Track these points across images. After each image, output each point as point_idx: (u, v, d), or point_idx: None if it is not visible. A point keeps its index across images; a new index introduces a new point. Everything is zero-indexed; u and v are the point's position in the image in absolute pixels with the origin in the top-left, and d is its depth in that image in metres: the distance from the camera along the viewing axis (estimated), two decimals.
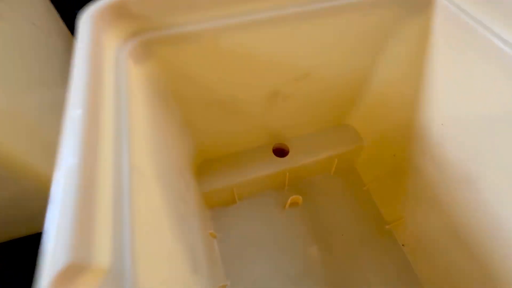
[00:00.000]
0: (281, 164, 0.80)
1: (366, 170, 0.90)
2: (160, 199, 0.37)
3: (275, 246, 0.77)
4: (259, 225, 0.81)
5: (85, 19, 0.37)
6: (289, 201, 0.81)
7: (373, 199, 0.87)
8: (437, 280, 0.67)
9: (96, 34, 0.36)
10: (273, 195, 0.86)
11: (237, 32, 0.48)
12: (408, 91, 0.64)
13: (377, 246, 0.79)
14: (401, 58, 0.62)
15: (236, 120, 0.67)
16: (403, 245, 0.79)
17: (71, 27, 0.90)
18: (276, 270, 0.74)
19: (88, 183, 0.21)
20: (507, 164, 0.46)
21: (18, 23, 0.60)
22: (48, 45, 0.72)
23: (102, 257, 0.19)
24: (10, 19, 0.57)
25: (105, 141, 0.28)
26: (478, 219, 0.54)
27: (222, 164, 0.79)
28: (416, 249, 0.74)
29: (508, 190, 0.46)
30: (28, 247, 0.70)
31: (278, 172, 0.80)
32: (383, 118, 0.75)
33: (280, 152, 0.84)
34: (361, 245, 0.79)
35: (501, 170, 0.47)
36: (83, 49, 0.33)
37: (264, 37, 0.50)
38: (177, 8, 0.43)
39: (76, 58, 0.32)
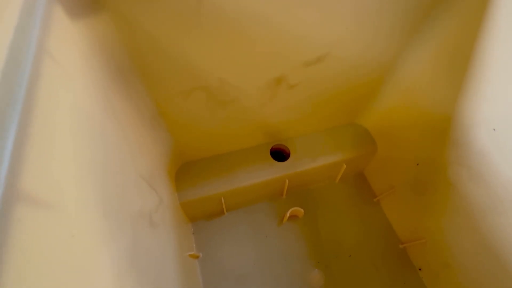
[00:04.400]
0: (281, 169, 0.66)
1: (378, 179, 0.77)
2: (95, 243, 0.22)
3: (268, 268, 0.64)
4: (251, 242, 0.67)
5: None
6: (288, 213, 0.68)
7: (384, 213, 0.74)
8: None
9: None
10: (269, 206, 0.72)
11: None
12: (445, 84, 0.51)
13: (389, 269, 0.67)
14: (442, 39, 0.48)
15: (227, 113, 0.53)
16: (420, 269, 0.67)
17: None
18: None
19: None
20: None
21: None
22: None
23: None
24: None
25: None
26: None
27: (208, 168, 0.64)
28: (438, 275, 0.62)
29: None
30: None
31: (276, 178, 0.66)
32: (405, 118, 0.62)
33: (280, 155, 0.70)
34: (370, 268, 0.66)
35: None
36: None
37: None
38: None
39: None
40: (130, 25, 0.33)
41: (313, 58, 0.48)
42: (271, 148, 0.69)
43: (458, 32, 0.46)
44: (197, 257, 0.63)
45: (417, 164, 0.61)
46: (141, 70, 0.38)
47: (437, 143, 0.55)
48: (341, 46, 0.47)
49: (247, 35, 0.40)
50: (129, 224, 0.27)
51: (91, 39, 0.30)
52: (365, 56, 0.51)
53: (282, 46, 0.44)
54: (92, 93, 0.28)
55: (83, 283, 0.20)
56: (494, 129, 0.44)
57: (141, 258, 0.28)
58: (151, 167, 0.46)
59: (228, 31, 0.38)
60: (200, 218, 0.69)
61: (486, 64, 0.43)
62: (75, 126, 0.24)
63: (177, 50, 0.38)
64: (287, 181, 0.67)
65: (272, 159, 0.67)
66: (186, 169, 0.63)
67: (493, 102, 0.43)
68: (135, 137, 0.39)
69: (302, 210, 0.68)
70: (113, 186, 0.26)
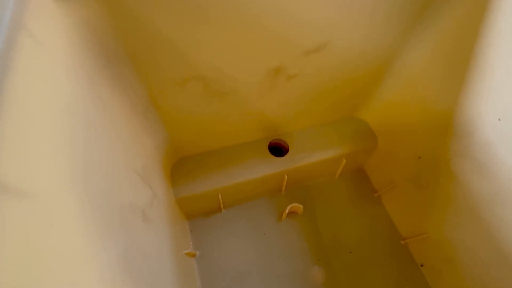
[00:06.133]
0: (279, 164, 0.64)
1: (378, 173, 0.75)
2: (76, 231, 0.20)
3: (268, 266, 0.62)
4: (249, 239, 0.65)
5: None
6: (287, 210, 0.66)
7: (385, 209, 0.73)
8: None
9: None
10: (267, 202, 0.71)
11: None
12: (448, 75, 0.49)
13: (390, 265, 0.65)
14: (444, 29, 0.47)
15: (223, 105, 0.51)
16: (421, 265, 0.66)
17: None
18: None
19: None
20: None
21: None
22: None
23: None
24: None
25: None
26: None
27: (205, 164, 0.62)
28: (441, 271, 0.60)
29: None
30: None
31: (274, 174, 0.64)
32: (407, 110, 0.61)
33: (278, 150, 0.68)
34: (372, 265, 0.65)
35: None
36: None
37: None
38: None
39: None
40: (121, 7, 0.31)
41: (312, 47, 0.46)
42: (269, 143, 0.67)
43: (462, 22, 0.45)
44: (194, 255, 0.61)
45: (419, 158, 0.60)
46: (133, 57, 0.36)
47: (439, 135, 0.53)
48: (340, 33, 0.46)
49: (245, 20, 0.38)
50: (118, 217, 0.25)
51: (77, 20, 0.28)
52: (365, 45, 0.50)
53: (281, 32, 0.42)
54: (75, 77, 0.26)
55: (65, 277, 0.18)
56: (499, 119, 0.43)
57: (135, 256, 0.26)
58: (144, 160, 0.44)
59: (225, 15, 0.36)
60: (197, 215, 0.67)
61: (492, 52, 0.42)
62: (54, 111, 0.22)
63: (172, 36, 0.36)
64: (286, 177, 0.66)
65: (270, 154, 0.65)
66: (182, 165, 0.61)
67: (499, 91, 0.42)
68: (126, 127, 0.37)
69: (301, 206, 0.67)
70: (99, 176, 0.24)
